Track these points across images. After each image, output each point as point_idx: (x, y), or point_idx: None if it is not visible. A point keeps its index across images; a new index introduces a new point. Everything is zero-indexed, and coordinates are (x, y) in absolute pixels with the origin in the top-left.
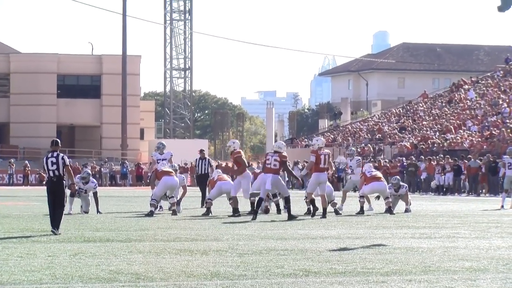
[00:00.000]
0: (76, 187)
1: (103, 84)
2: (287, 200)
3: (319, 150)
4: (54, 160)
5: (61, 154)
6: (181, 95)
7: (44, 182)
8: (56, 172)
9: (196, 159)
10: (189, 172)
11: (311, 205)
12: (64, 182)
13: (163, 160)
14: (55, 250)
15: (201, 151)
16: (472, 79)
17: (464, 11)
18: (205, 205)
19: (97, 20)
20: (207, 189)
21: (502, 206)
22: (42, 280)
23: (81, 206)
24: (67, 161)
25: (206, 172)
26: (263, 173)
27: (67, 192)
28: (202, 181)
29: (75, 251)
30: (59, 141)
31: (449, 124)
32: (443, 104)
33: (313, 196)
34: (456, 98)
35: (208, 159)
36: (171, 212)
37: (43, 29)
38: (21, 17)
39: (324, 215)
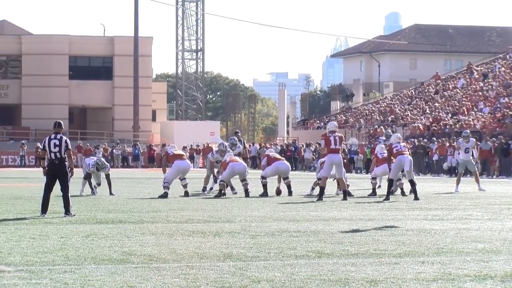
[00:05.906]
0: (89, 171)
1: (115, 65)
2: (412, 183)
3: (328, 133)
4: (57, 142)
5: (64, 137)
6: (193, 77)
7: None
8: (58, 155)
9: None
10: (201, 153)
11: (319, 188)
12: (66, 163)
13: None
14: (67, 232)
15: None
16: (485, 61)
17: None
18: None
19: (109, 2)
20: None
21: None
22: (54, 262)
23: (91, 183)
24: (70, 145)
25: None
26: (400, 155)
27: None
28: None
29: (88, 232)
30: (62, 123)
31: (461, 105)
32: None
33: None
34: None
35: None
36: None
37: (54, 10)
38: None
39: (345, 197)
